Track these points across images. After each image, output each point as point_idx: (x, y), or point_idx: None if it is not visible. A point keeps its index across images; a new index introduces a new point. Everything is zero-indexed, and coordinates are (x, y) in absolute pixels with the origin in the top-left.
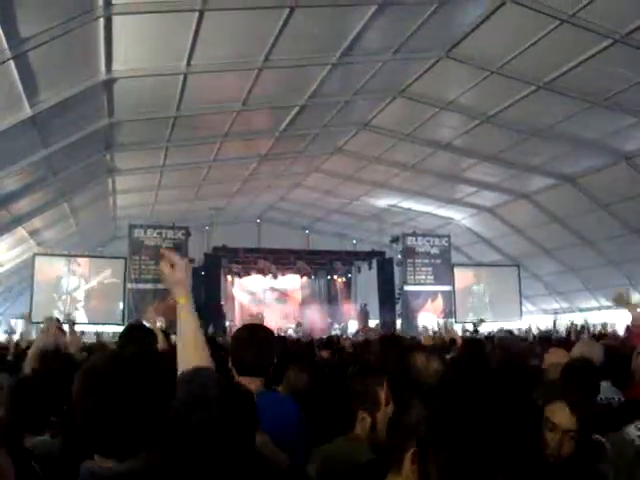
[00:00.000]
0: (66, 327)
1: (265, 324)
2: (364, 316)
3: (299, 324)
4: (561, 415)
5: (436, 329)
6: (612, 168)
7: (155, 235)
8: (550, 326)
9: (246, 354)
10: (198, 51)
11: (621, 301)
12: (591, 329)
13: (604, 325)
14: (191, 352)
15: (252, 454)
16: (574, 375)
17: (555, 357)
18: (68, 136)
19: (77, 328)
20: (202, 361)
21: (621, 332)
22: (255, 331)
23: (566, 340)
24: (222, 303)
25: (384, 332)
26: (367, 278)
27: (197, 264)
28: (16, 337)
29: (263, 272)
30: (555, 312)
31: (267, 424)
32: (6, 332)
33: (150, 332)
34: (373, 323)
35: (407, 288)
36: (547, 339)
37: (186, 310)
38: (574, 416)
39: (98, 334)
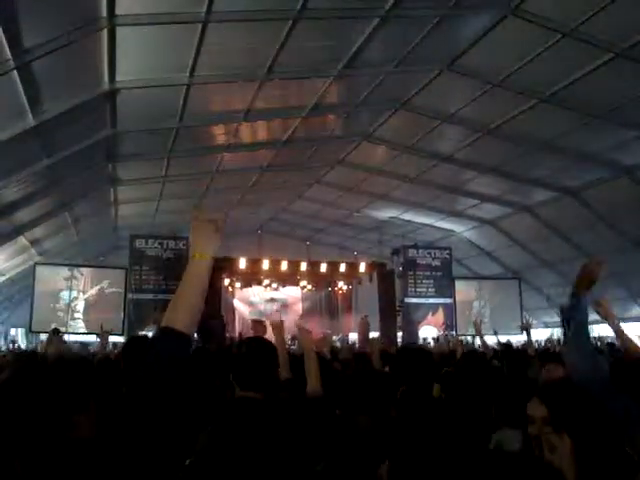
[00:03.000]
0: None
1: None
2: (365, 328)
3: (294, 337)
4: (534, 407)
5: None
6: (614, 182)
7: (156, 245)
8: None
9: (247, 368)
10: (201, 62)
11: (603, 311)
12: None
13: (601, 339)
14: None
15: None
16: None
17: (553, 373)
18: (70, 146)
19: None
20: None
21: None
22: (256, 345)
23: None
24: (222, 314)
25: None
26: (368, 290)
27: None
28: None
29: (263, 283)
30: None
31: None
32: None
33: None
34: (374, 335)
35: (408, 300)
36: (546, 353)
37: (197, 263)
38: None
39: (115, 345)
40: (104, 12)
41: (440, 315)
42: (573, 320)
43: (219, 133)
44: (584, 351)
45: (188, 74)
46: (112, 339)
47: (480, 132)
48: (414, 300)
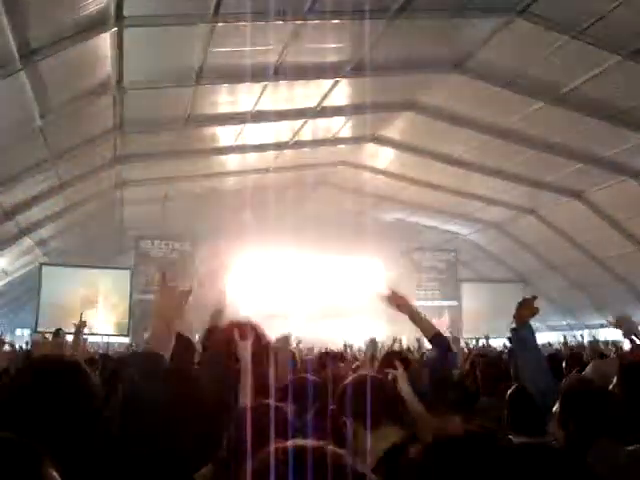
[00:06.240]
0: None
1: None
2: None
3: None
4: None
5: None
6: (621, 185)
7: (162, 246)
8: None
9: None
10: (208, 63)
11: (627, 329)
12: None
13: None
14: None
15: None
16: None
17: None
18: (77, 147)
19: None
20: None
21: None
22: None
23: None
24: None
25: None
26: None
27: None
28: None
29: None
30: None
31: None
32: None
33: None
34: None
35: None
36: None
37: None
38: None
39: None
40: (112, 13)
41: (446, 318)
42: (521, 349)
43: (226, 134)
44: (537, 370)
45: (195, 75)
46: (118, 340)
47: (487, 134)
48: (419, 303)
